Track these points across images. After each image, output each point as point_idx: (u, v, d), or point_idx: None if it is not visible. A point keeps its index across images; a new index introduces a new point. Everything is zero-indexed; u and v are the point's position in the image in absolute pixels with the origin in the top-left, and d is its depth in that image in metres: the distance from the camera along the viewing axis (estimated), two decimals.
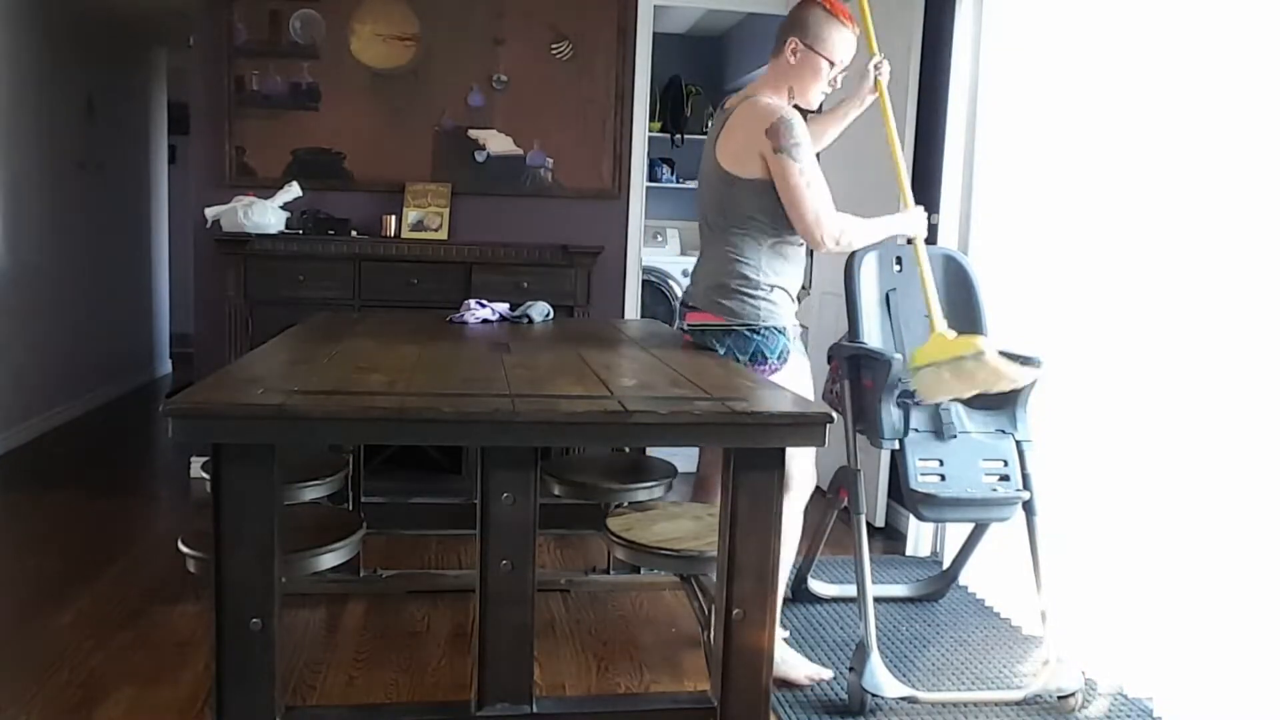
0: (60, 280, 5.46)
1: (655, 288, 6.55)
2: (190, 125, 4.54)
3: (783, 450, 1.89)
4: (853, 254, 2.86)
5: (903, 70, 3.90)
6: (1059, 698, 2.53)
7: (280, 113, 4.43)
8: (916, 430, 2.62)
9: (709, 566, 2.21)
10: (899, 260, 2.91)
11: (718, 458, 2.20)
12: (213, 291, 4.34)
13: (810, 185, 2.44)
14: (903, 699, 2.48)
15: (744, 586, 1.91)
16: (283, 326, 3.15)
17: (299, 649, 2.74)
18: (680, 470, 2.93)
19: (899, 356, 2.61)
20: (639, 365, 2.45)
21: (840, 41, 2.53)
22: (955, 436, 2.62)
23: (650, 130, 5.02)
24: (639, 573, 3.25)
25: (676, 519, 2.47)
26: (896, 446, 2.62)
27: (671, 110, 7.02)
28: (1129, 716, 2.51)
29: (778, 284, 2.54)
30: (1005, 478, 2.62)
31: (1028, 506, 2.64)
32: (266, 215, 4.13)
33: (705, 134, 7.05)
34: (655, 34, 4.65)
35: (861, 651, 2.51)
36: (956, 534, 3.46)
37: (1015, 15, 3.24)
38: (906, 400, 2.63)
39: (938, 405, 2.61)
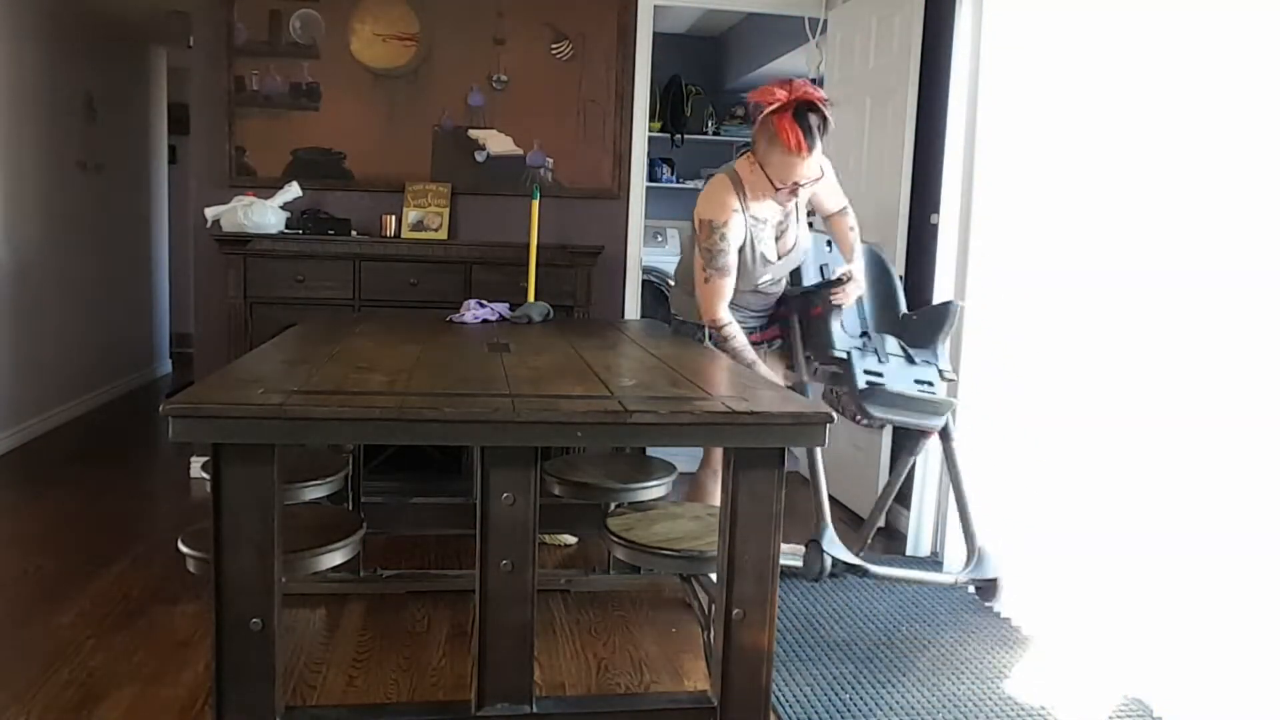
0: (60, 280, 5.46)
1: (655, 288, 6.54)
2: (190, 125, 4.54)
3: (783, 450, 1.89)
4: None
5: (903, 70, 3.90)
6: (978, 584, 3.00)
7: (280, 113, 4.43)
8: (860, 351, 2.99)
9: (709, 566, 2.21)
10: (829, 243, 3.33)
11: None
12: (213, 291, 4.34)
13: (708, 282, 2.84)
14: (853, 565, 2.83)
15: (744, 586, 1.91)
16: (283, 326, 3.16)
17: (299, 649, 2.74)
18: (680, 470, 2.93)
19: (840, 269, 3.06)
20: (639, 365, 2.45)
21: (782, 164, 2.64)
22: (888, 360, 3.01)
23: (650, 130, 5.02)
24: (639, 573, 3.25)
25: (676, 519, 2.47)
26: (845, 356, 2.95)
27: (671, 110, 7.02)
28: (1129, 716, 2.51)
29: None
30: (930, 391, 3.06)
31: (944, 433, 3.07)
32: (266, 215, 4.13)
33: (705, 134, 7.12)
34: (655, 34, 4.65)
35: (819, 520, 2.84)
36: (956, 534, 3.47)
37: (1015, 16, 3.24)
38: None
39: (870, 334, 3.08)
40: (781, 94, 2.55)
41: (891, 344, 3.06)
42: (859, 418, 3.00)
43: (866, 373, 2.95)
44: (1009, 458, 3.23)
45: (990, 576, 2.98)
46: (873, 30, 4.17)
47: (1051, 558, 2.99)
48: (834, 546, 2.81)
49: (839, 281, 3.04)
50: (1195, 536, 2.44)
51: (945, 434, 3.06)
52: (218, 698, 1.78)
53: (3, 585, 3.17)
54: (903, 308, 3.31)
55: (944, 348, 3.12)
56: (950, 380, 3.15)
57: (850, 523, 3.74)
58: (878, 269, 3.33)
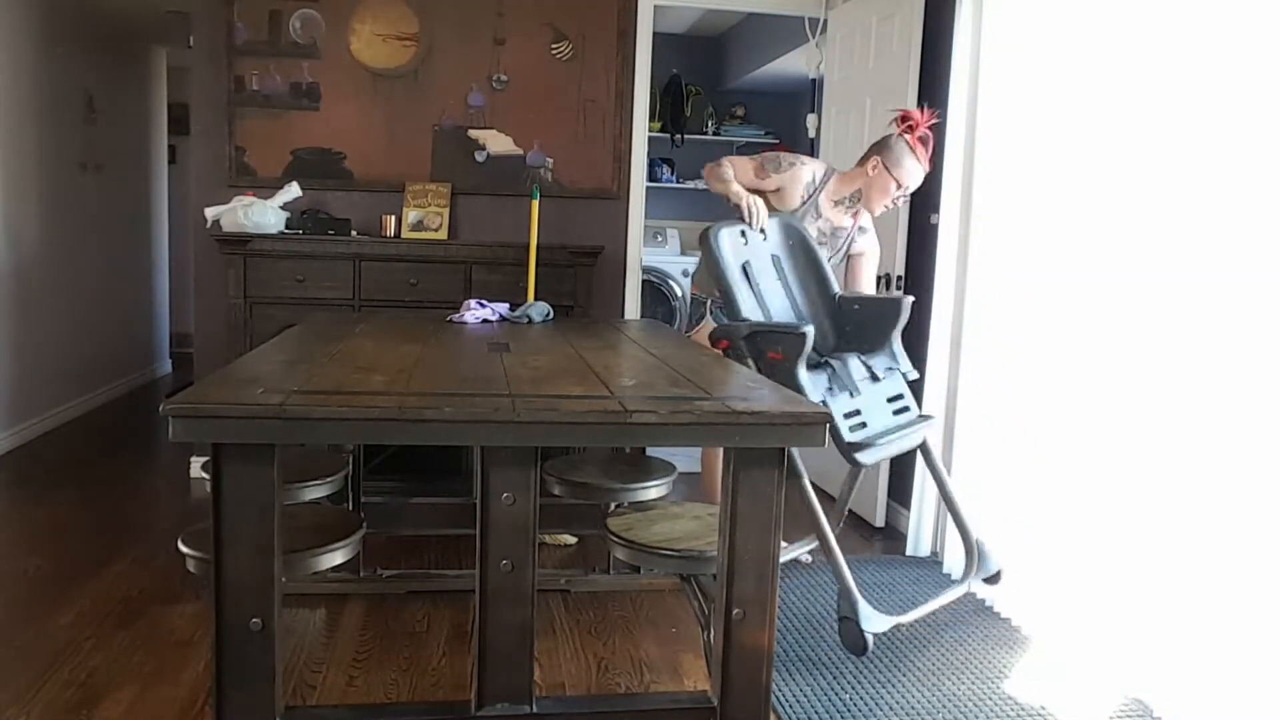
0: (60, 280, 5.46)
1: (655, 288, 6.55)
2: (190, 125, 4.54)
3: (783, 450, 1.89)
4: (708, 231, 3.08)
5: (903, 70, 3.90)
6: (985, 579, 3.04)
7: (280, 113, 4.43)
8: (830, 390, 2.90)
9: (709, 566, 2.21)
10: (743, 234, 3.15)
11: None
12: (213, 291, 4.35)
13: (746, 158, 3.40)
14: (892, 627, 2.77)
15: (744, 586, 1.91)
16: (283, 326, 3.16)
17: (299, 649, 2.74)
18: (680, 470, 2.93)
19: (810, 328, 2.82)
20: (639, 365, 2.45)
21: (912, 170, 3.21)
22: (859, 392, 2.92)
23: (650, 130, 5.03)
24: (639, 573, 3.25)
25: (676, 519, 2.47)
26: (822, 407, 2.76)
27: (671, 110, 7.02)
28: (1129, 716, 2.51)
29: None
30: (904, 409, 3.01)
31: (922, 446, 3.05)
32: (266, 215, 4.13)
33: (705, 134, 7.12)
34: (655, 34, 4.65)
35: (847, 598, 2.72)
36: (956, 534, 3.47)
37: (1015, 15, 3.24)
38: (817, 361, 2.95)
39: (831, 362, 2.95)
40: (917, 115, 3.20)
41: (855, 366, 2.94)
42: (846, 460, 2.90)
43: (847, 417, 2.83)
44: (1009, 457, 3.23)
45: (994, 571, 3.05)
46: (873, 30, 4.17)
47: (1051, 558, 2.99)
48: (872, 622, 2.70)
49: (789, 331, 2.84)
50: (1195, 537, 2.44)
51: (923, 447, 3.05)
52: (218, 698, 1.78)
53: (3, 585, 3.17)
54: (834, 287, 3.23)
55: (898, 345, 3.05)
56: (913, 379, 3.10)
57: (850, 522, 3.74)
58: (795, 239, 3.21)
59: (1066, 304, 2.96)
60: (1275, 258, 2.25)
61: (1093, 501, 2.82)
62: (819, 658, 2.79)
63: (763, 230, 3.17)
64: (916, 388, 3.65)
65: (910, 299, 3.07)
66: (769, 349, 2.88)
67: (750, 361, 2.91)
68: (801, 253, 3.23)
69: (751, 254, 3.13)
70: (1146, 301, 2.63)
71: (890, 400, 2.97)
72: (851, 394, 2.88)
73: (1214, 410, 2.41)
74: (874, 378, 2.95)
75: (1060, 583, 2.93)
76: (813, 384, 2.83)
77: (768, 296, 3.13)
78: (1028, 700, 2.57)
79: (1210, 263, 2.43)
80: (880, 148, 3.24)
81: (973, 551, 3.00)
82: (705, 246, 3.05)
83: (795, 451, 2.85)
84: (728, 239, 3.08)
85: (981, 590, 3.30)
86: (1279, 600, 2.22)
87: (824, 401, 2.82)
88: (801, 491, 2.83)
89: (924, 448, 3.05)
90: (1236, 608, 2.32)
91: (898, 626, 3.01)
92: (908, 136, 3.17)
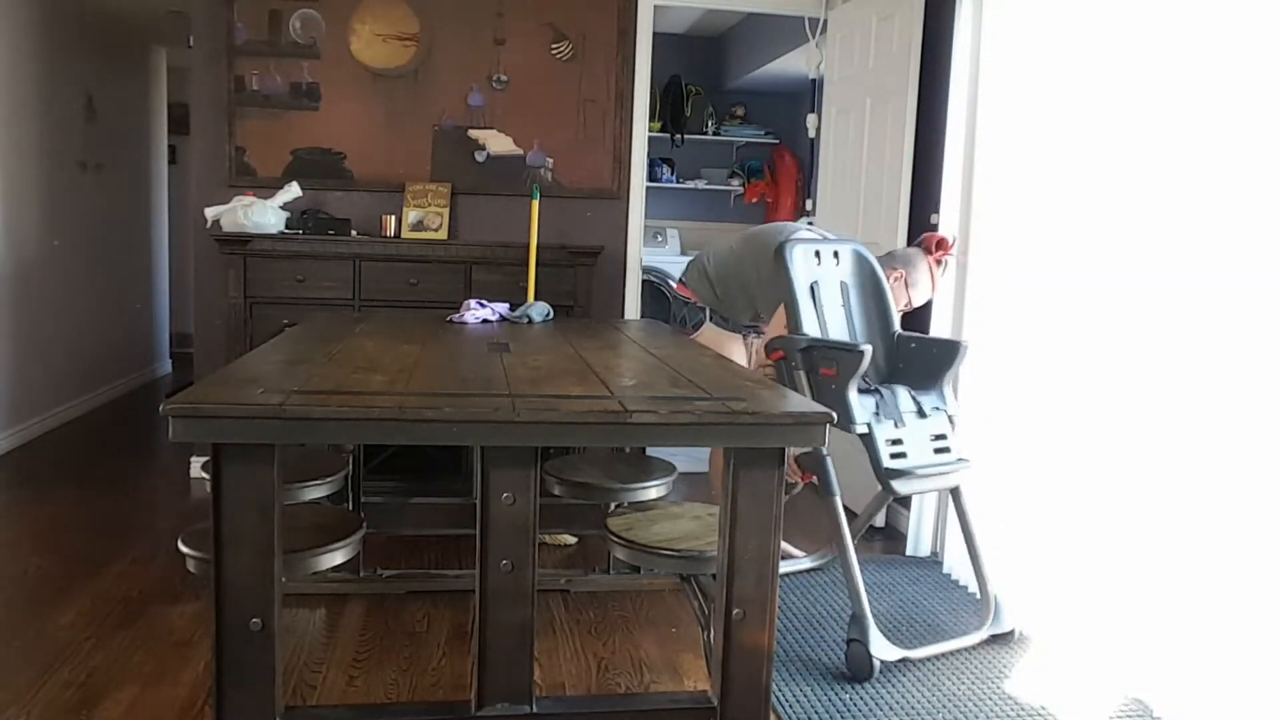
0: (60, 280, 5.46)
1: (655, 288, 6.55)
2: (190, 125, 4.54)
3: (783, 450, 1.89)
4: (783, 245, 3.12)
5: (903, 70, 3.90)
6: (996, 636, 2.94)
7: (280, 113, 4.43)
8: (877, 416, 2.90)
9: (709, 566, 2.21)
10: (818, 254, 3.18)
11: None
12: (213, 291, 4.35)
13: None
14: (900, 660, 2.72)
15: (744, 586, 1.91)
16: (283, 326, 3.16)
17: (299, 649, 2.74)
18: (680, 470, 2.93)
19: (869, 348, 2.82)
20: (639, 365, 2.45)
21: (924, 292, 3.36)
22: (904, 423, 2.93)
23: (650, 130, 5.03)
24: (639, 573, 3.25)
25: (676, 519, 2.47)
26: (866, 431, 2.84)
27: (671, 110, 7.02)
28: (1129, 717, 2.51)
29: None
30: (946, 449, 2.98)
31: (954, 491, 3.01)
32: (266, 215, 4.13)
33: (705, 134, 7.12)
34: (655, 34, 4.65)
35: (859, 623, 2.68)
36: (955, 535, 3.47)
37: (1015, 15, 3.24)
38: (866, 385, 2.96)
39: (881, 390, 2.95)
40: (950, 245, 3.33)
41: (904, 398, 2.96)
42: (882, 485, 2.92)
43: (889, 444, 2.85)
44: (1009, 457, 3.23)
45: (1007, 630, 2.95)
46: (873, 30, 4.17)
47: (1052, 558, 2.99)
48: (881, 649, 2.68)
49: (845, 347, 2.89)
50: (1195, 537, 2.44)
51: (955, 491, 3.02)
52: (218, 698, 1.78)
53: (3, 585, 3.17)
54: (896, 324, 3.22)
55: (949, 388, 3.05)
56: (955, 422, 3.09)
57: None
58: (866, 273, 3.25)
59: (1067, 304, 2.96)
60: (1277, 254, 2.25)
61: (1093, 502, 2.82)
62: (819, 658, 2.79)
63: (836, 255, 3.20)
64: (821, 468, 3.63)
65: (967, 343, 3.03)
66: (823, 365, 2.90)
67: (802, 374, 2.94)
68: (870, 284, 3.25)
69: (821, 275, 3.16)
70: (1147, 301, 2.63)
71: (935, 438, 2.96)
72: (896, 424, 2.90)
73: (1214, 410, 2.41)
74: (921, 413, 2.96)
75: (1060, 583, 2.93)
76: (860, 406, 2.85)
77: (829, 318, 3.14)
78: (1028, 700, 2.57)
79: (1211, 263, 2.43)
80: (904, 262, 3.32)
81: (989, 605, 2.95)
82: (779, 258, 3.09)
83: (831, 470, 2.89)
84: (801, 256, 3.12)
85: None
86: (1278, 600, 2.22)
87: (869, 425, 2.83)
88: (832, 511, 2.83)
89: (956, 491, 3.01)
90: (1236, 608, 2.32)
91: (898, 627, 3.01)
92: (931, 260, 3.30)
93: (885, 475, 2.82)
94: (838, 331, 3.14)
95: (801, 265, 3.10)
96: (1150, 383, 2.62)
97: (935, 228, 3.63)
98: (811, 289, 3.12)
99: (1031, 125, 3.15)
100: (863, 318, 3.23)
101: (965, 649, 2.87)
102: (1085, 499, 2.85)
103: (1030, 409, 3.12)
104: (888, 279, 3.26)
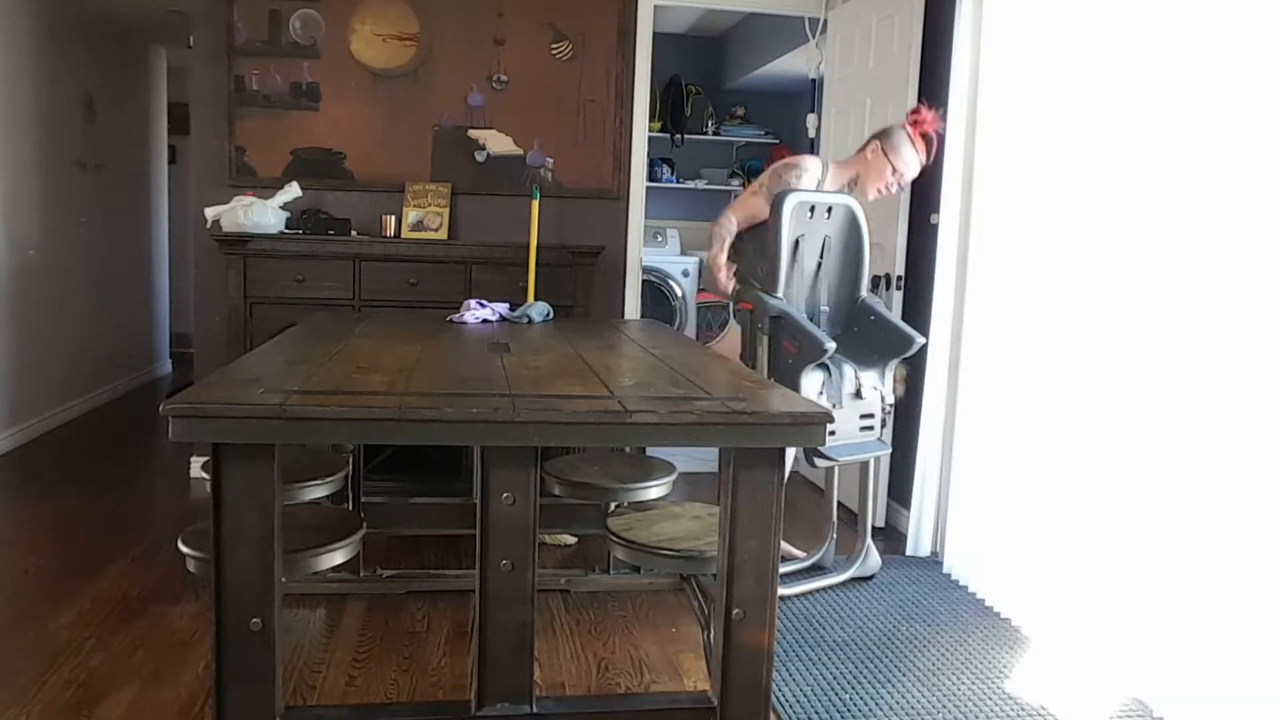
0: (60, 280, 5.46)
1: (655, 288, 6.55)
2: (190, 125, 4.54)
3: (783, 450, 1.89)
4: (780, 196, 3.18)
5: (903, 70, 3.90)
6: (864, 578, 3.30)
7: (280, 113, 4.43)
8: (822, 395, 3.08)
9: (709, 566, 2.21)
10: (811, 209, 3.23)
11: None
12: (213, 291, 4.35)
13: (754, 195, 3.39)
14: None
15: (744, 586, 1.91)
16: (283, 326, 3.16)
17: (299, 649, 2.74)
18: (680, 470, 2.93)
19: (832, 345, 2.99)
20: (639, 365, 2.45)
21: (910, 159, 3.34)
22: (842, 404, 3.13)
23: (650, 130, 5.02)
24: (639, 573, 3.25)
25: (676, 519, 2.47)
26: (823, 406, 3.01)
27: (671, 110, 7.02)
28: (1129, 716, 2.51)
29: None
30: (870, 428, 3.20)
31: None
32: (266, 215, 4.13)
33: (705, 134, 7.12)
34: (655, 34, 4.65)
35: None
36: (956, 534, 3.47)
37: (1015, 15, 3.24)
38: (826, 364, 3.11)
39: (830, 368, 3.10)
40: (925, 113, 3.34)
41: (849, 378, 3.15)
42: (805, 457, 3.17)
43: None
44: (1009, 456, 3.23)
45: (870, 574, 3.31)
46: (873, 30, 4.17)
47: (1051, 558, 2.99)
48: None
49: (815, 338, 3.03)
50: (1195, 536, 2.44)
51: (865, 465, 3.32)
52: (218, 698, 1.78)
53: (3, 585, 3.17)
54: (864, 286, 3.36)
55: (890, 372, 3.25)
56: (890, 408, 3.31)
57: (849, 522, 3.74)
58: (851, 231, 3.33)
59: (1067, 303, 2.96)
60: (1276, 255, 2.25)
61: (1093, 501, 2.82)
62: (819, 658, 2.79)
63: (829, 210, 3.26)
64: (917, 385, 3.66)
65: (922, 340, 3.21)
66: (787, 339, 3.03)
67: (764, 339, 3.07)
68: (853, 243, 3.34)
69: (809, 229, 3.24)
70: (1147, 301, 2.63)
71: (862, 417, 3.16)
72: (836, 405, 3.08)
73: (1214, 410, 2.41)
74: (858, 394, 3.17)
75: (1060, 583, 2.93)
76: (809, 385, 3.03)
77: (797, 276, 3.24)
78: (1028, 700, 2.57)
79: (1211, 263, 2.43)
80: (881, 134, 3.38)
81: (862, 547, 3.34)
82: (774, 209, 3.16)
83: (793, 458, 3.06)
84: (794, 210, 3.17)
85: (981, 590, 3.30)
86: (1278, 600, 2.22)
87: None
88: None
89: (866, 467, 3.29)
90: (1236, 607, 2.32)
91: (898, 627, 3.01)
92: (909, 127, 3.32)
93: (811, 451, 3.04)
94: (799, 293, 3.25)
95: (792, 217, 3.16)
96: (1151, 383, 2.62)
97: (935, 228, 3.63)
98: (796, 243, 3.20)
99: (1031, 125, 3.15)
100: (837, 275, 3.33)
101: (833, 586, 3.26)
102: (1085, 499, 2.85)
103: (1030, 407, 3.12)
104: (866, 154, 3.36)
